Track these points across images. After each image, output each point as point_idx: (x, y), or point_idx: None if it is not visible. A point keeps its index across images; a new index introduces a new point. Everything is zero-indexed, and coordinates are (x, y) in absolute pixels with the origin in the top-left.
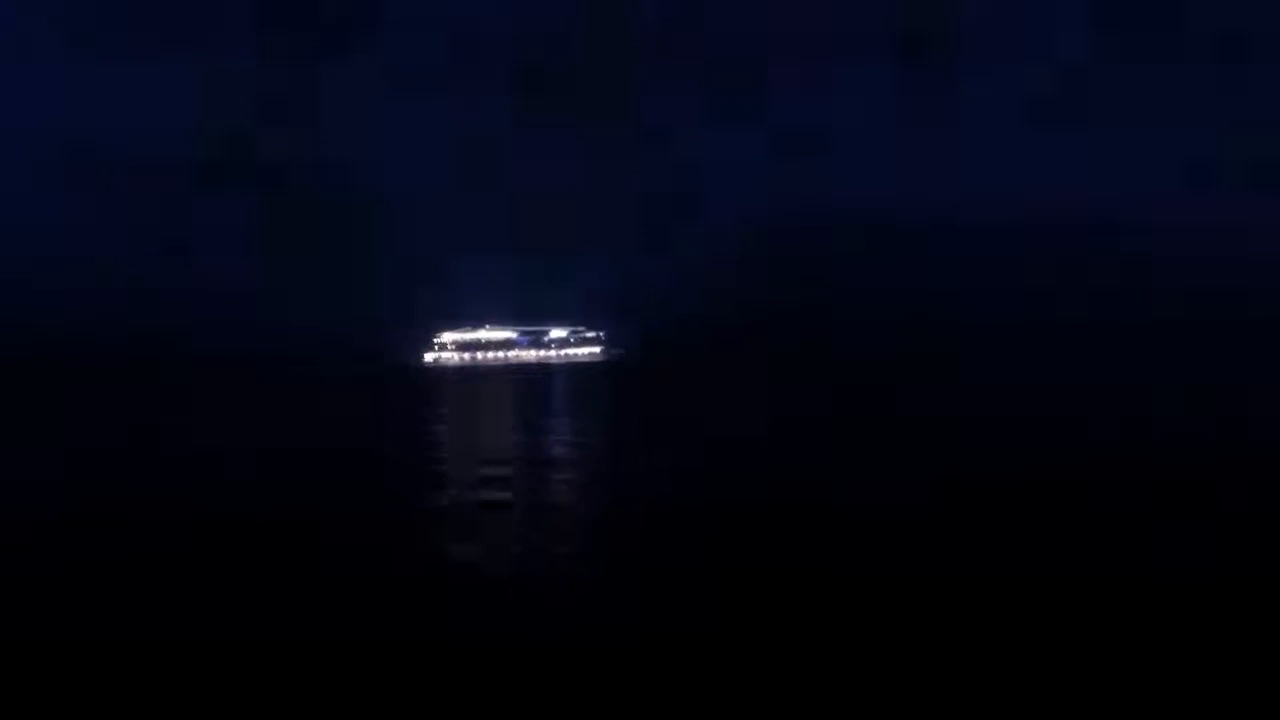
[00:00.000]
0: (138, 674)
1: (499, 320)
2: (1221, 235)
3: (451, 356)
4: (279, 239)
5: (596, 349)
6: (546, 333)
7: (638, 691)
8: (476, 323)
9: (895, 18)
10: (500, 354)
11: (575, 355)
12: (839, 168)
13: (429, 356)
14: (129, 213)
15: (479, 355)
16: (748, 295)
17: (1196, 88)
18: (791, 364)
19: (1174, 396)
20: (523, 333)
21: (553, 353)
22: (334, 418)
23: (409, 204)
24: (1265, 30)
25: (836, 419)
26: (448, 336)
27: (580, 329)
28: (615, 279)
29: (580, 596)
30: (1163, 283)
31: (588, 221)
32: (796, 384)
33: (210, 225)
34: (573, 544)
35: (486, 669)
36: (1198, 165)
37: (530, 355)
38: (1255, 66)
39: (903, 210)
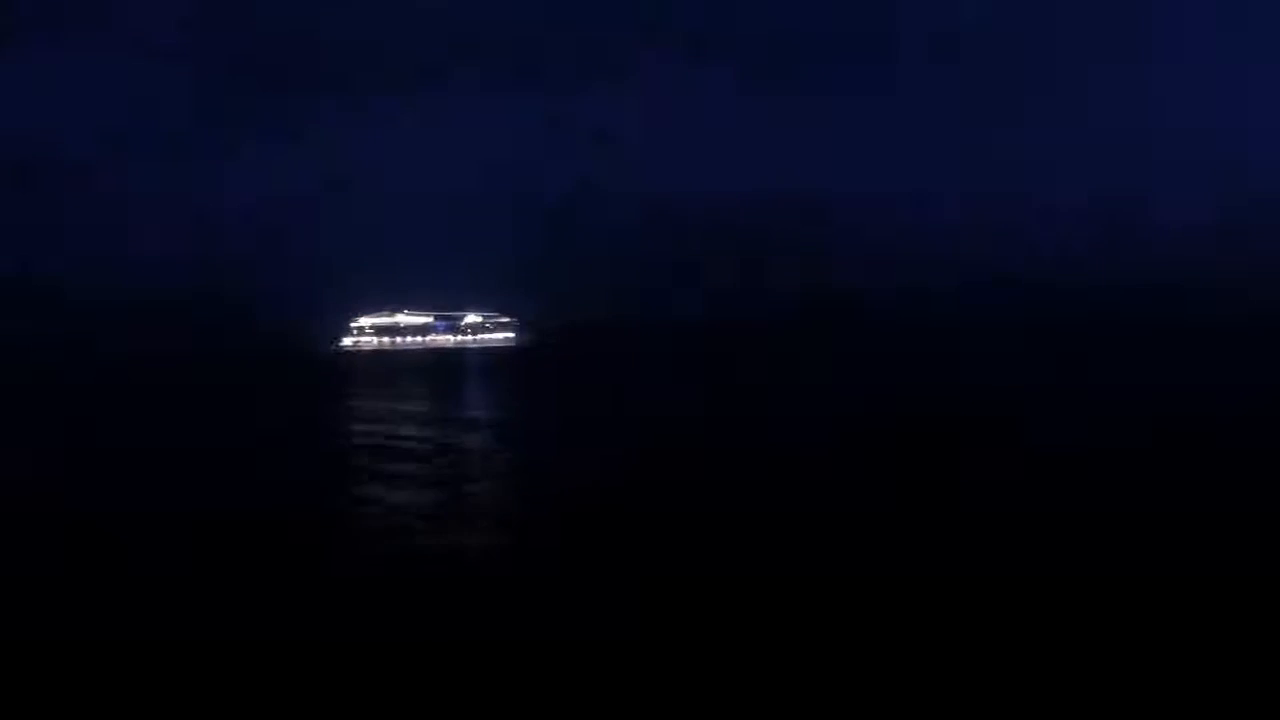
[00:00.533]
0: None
1: (416, 305)
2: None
3: (369, 341)
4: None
5: (511, 334)
6: (463, 317)
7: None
8: (395, 307)
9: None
10: (418, 338)
11: (490, 340)
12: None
13: (346, 341)
14: None
15: (396, 340)
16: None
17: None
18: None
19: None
20: (439, 317)
21: (469, 337)
22: (235, 407)
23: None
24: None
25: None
26: (365, 321)
27: (494, 314)
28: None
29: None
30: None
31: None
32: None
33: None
34: (492, 534)
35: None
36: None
37: (447, 340)
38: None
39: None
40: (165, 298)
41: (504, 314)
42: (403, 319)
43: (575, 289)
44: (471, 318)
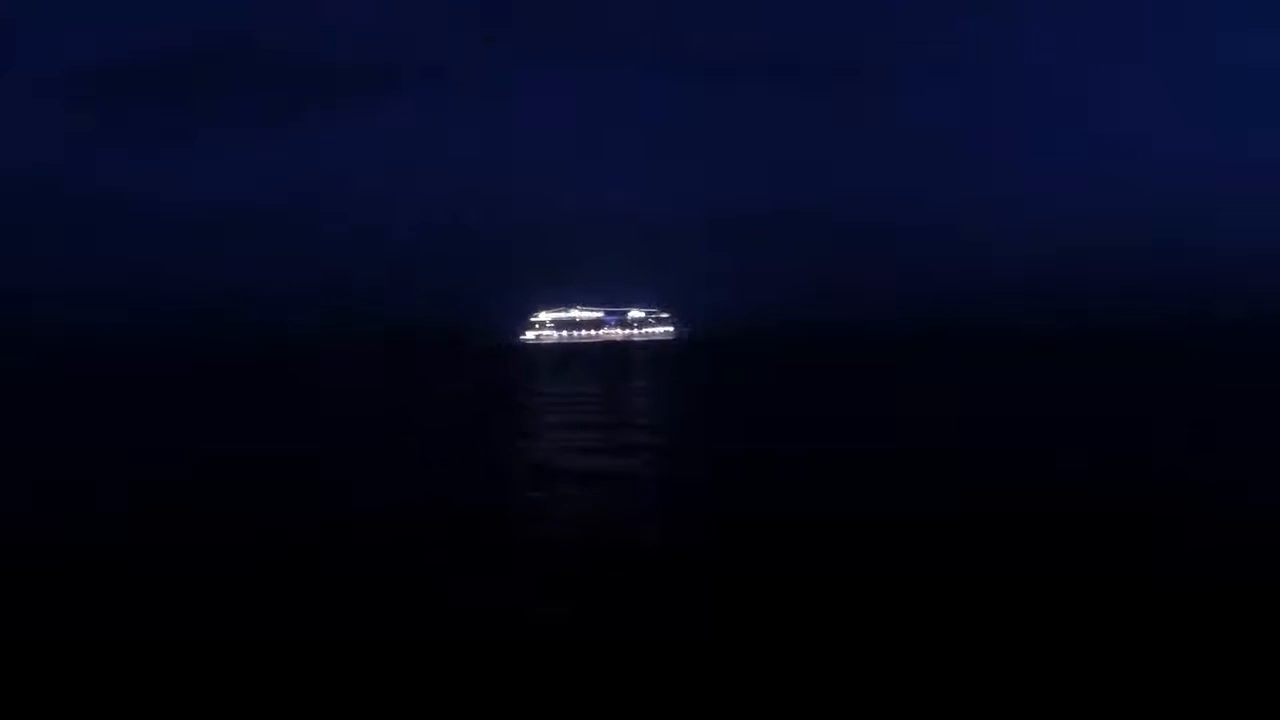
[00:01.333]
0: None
1: (587, 301)
2: None
3: (549, 334)
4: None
5: (670, 329)
6: (627, 313)
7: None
8: (568, 304)
9: None
10: (590, 332)
11: (652, 334)
12: None
13: (529, 335)
14: None
15: (572, 333)
16: None
17: None
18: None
19: None
20: (609, 312)
21: (634, 331)
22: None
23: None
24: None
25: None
26: (544, 316)
27: (655, 310)
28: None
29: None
30: None
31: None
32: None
33: None
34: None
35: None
36: None
37: (616, 334)
38: None
39: None
40: (356, 286)
41: (662, 310)
42: (578, 314)
43: (731, 292)
44: (635, 313)
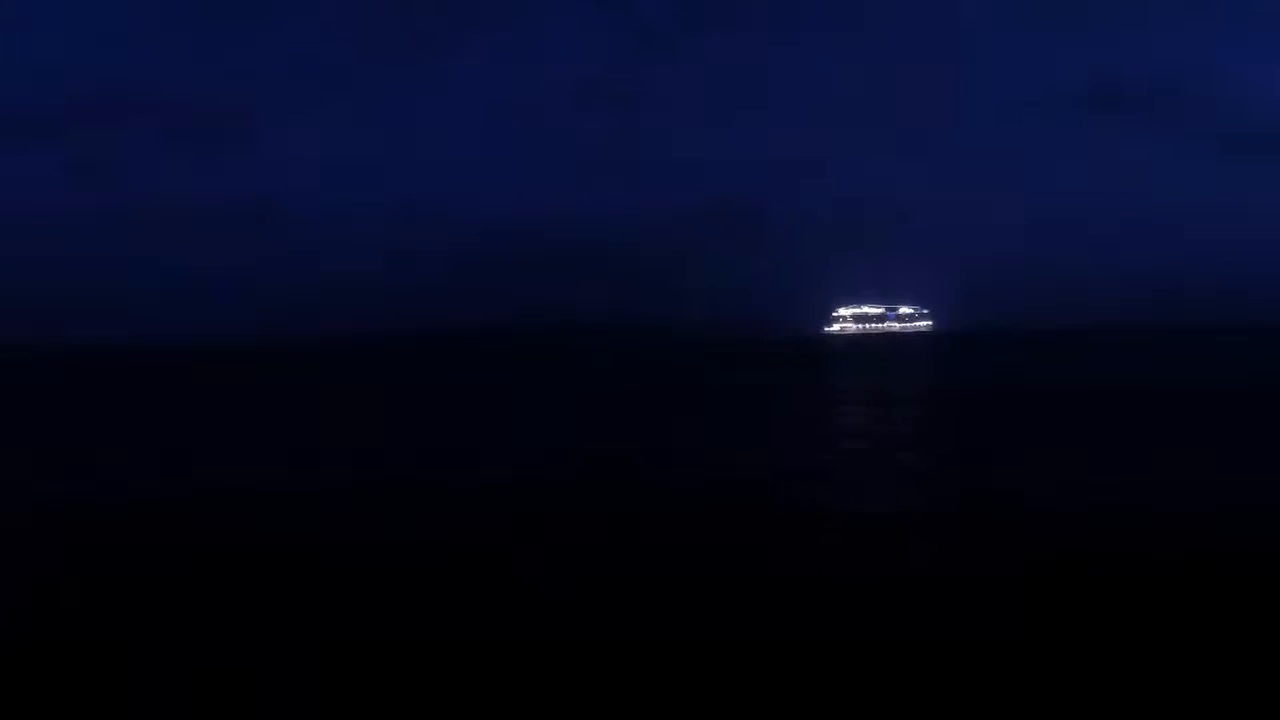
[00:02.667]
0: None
1: (866, 299)
2: None
3: (850, 327)
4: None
5: (930, 323)
6: (898, 309)
7: None
8: (857, 301)
9: None
10: (876, 325)
11: (916, 328)
12: None
13: (834, 327)
14: None
15: (863, 326)
16: None
17: None
18: None
19: None
20: (888, 308)
21: (906, 325)
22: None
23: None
24: None
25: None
26: (844, 311)
27: (919, 307)
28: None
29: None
30: None
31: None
32: None
33: None
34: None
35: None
36: None
37: (894, 326)
38: None
39: None
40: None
41: (923, 307)
42: (868, 309)
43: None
44: (905, 309)
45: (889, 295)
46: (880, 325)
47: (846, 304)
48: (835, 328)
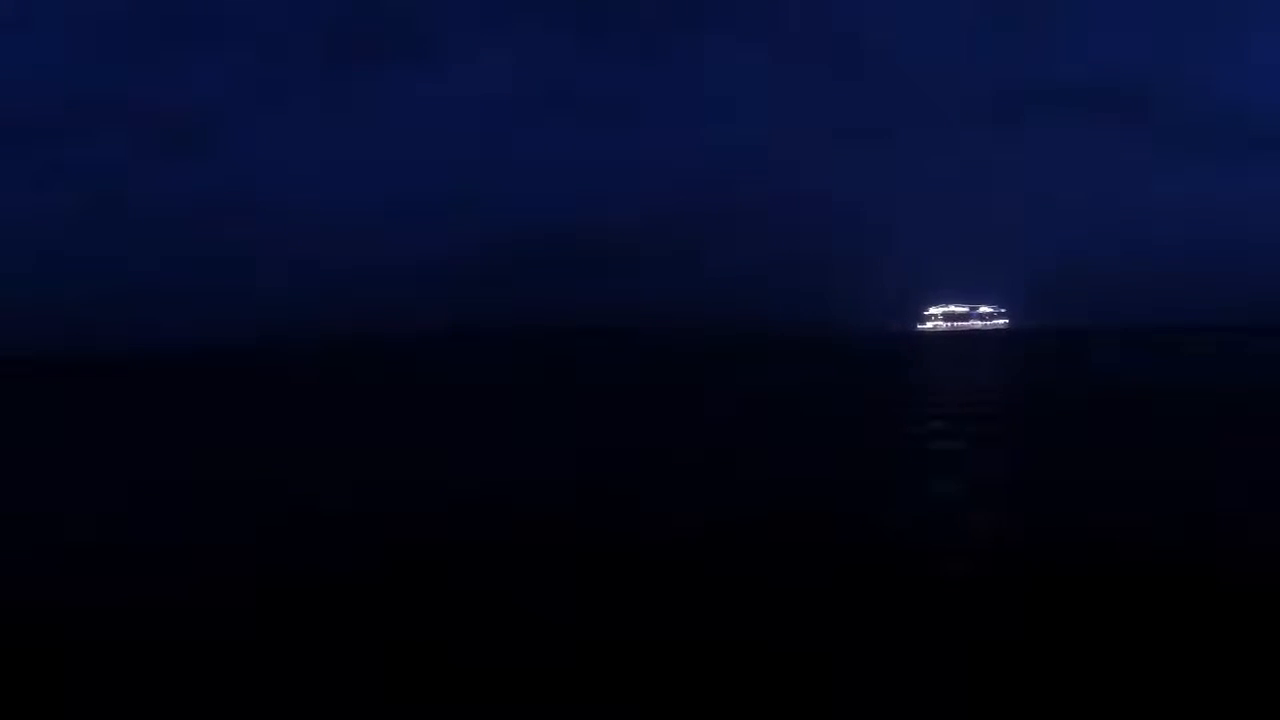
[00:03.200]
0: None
1: (948, 299)
2: None
3: (941, 325)
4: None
5: (1005, 321)
6: (978, 308)
7: None
8: (941, 300)
9: None
10: (961, 323)
11: (996, 325)
12: None
13: (927, 325)
14: None
15: (952, 325)
16: None
17: None
18: None
19: None
20: (970, 308)
21: (985, 324)
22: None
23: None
24: None
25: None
26: (934, 310)
27: (997, 307)
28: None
29: None
30: None
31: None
32: None
33: None
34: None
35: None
36: None
37: (976, 324)
38: None
39: None
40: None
41: (1000, 306)
42: (954, 308)
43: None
44: (985, 309)
45: (970, 295)
46: (965, 323)
47: (934, 304)
48: (928, 325)
